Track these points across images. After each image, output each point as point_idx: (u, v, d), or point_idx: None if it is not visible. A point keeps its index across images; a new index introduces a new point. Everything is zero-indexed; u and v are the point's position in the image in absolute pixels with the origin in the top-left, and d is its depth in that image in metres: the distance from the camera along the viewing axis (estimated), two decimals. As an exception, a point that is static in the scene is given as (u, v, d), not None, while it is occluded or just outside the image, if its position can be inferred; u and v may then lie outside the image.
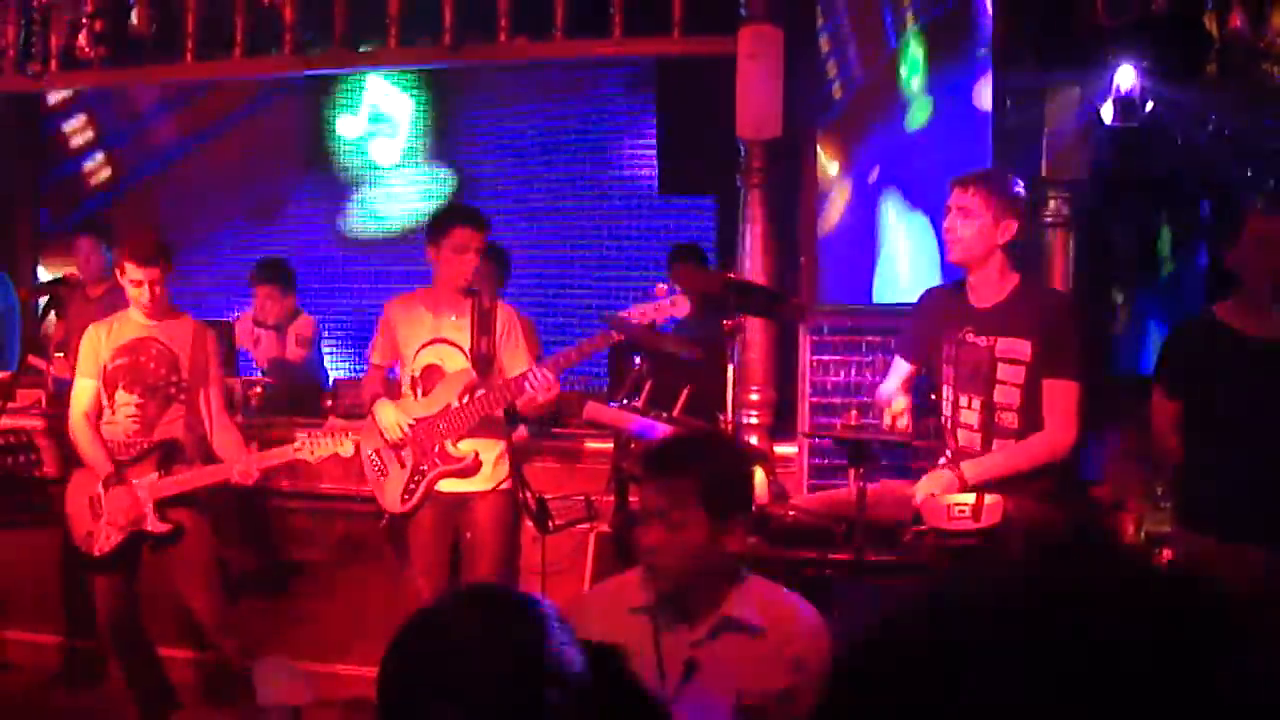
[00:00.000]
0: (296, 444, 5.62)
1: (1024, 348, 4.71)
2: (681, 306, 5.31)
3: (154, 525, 5.61)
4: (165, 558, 5.69)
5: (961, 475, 4.62)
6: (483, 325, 5.74)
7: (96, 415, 5.79)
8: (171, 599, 5.78)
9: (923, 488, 4.64)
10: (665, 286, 5.37)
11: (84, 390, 5.80)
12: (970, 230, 4.75)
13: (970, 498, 4.46)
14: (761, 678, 3.32)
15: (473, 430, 5.69)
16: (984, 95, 5.96)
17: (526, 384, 5.51)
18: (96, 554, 5.67)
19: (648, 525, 3.36)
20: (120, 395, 5.75)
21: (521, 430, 6.10)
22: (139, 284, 5.68)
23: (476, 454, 5.71)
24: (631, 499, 4.97)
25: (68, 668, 6.63)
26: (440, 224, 5.79)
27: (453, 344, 5.76)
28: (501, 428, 5.77)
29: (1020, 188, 4.84)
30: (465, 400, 5.68)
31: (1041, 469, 4.71)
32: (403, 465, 5.75)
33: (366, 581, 6.37)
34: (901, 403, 4.94)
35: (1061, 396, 4.69)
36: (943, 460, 4.78)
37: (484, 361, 5.72)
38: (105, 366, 5.77)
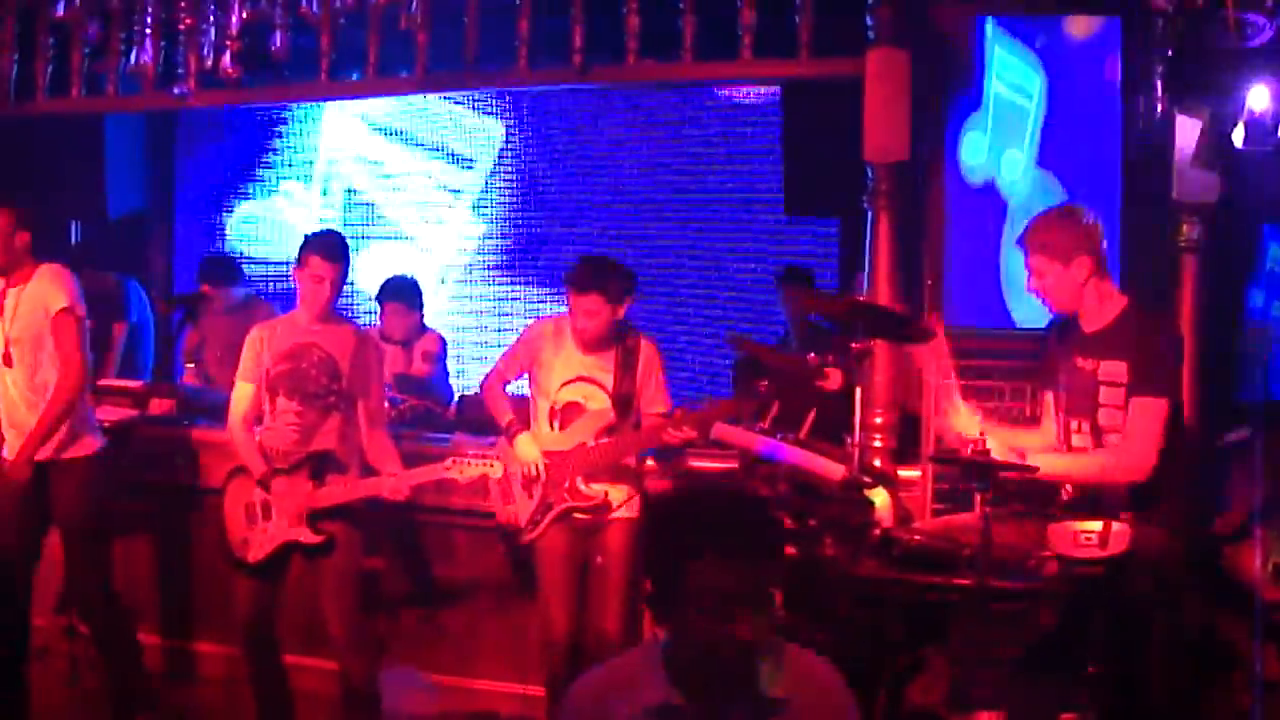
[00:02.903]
0: (447, 463, 5.66)
1: (1122, 370, 4.71)
2: (835, 379, 5.46)
3: (306, 536, 5.67)
4: (313, 568, 5.76)
5: (1023, 454, 4.64)
6: (626, 364, 5.80)
7: (255, 420, 5.87)
8: (310, 608, 5.85)
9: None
10: (816, 358, 5.46)
11: (242, 395, 5.89)
12: (1049, 284, 4.83)
13: (1098, 525, 4.43)
14: None
15: (606, 472, 5.78)
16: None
17: (664, 436, 5.60)
18: (251, 560, 5.75)
19: (739, 615, 2.96)
20: (281, 402, 5.79)
21: (650, 462, 6.19)
22: (319, 280, 5.72)
23: (606, 494, 5.79)
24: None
25: (167, 666, 6.84)
26: (568, 284, 5.79)
27: (596, 383, 5.82)
28: (631, 469, 5.85)
29: (1077, 220, 4.84)
30: (601, 441, 5.77)
31: (1130, 488, 4.65)
32: (530, 496, 5.83)
33: (498, 598, 6.48)
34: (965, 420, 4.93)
35: (1146, 414, 4.64)
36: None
37: (624, 403, 5.80)
38: (268, 371, 5.82)
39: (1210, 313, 6.11)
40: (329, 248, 5.76)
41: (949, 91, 6.18)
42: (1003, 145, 6.20)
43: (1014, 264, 5.98)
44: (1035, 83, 6.18)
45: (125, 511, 6.43)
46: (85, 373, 5.91)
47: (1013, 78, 6.20)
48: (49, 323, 5.88)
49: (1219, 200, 6.08)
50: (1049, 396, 5.04)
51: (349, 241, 5.96)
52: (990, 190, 6.25)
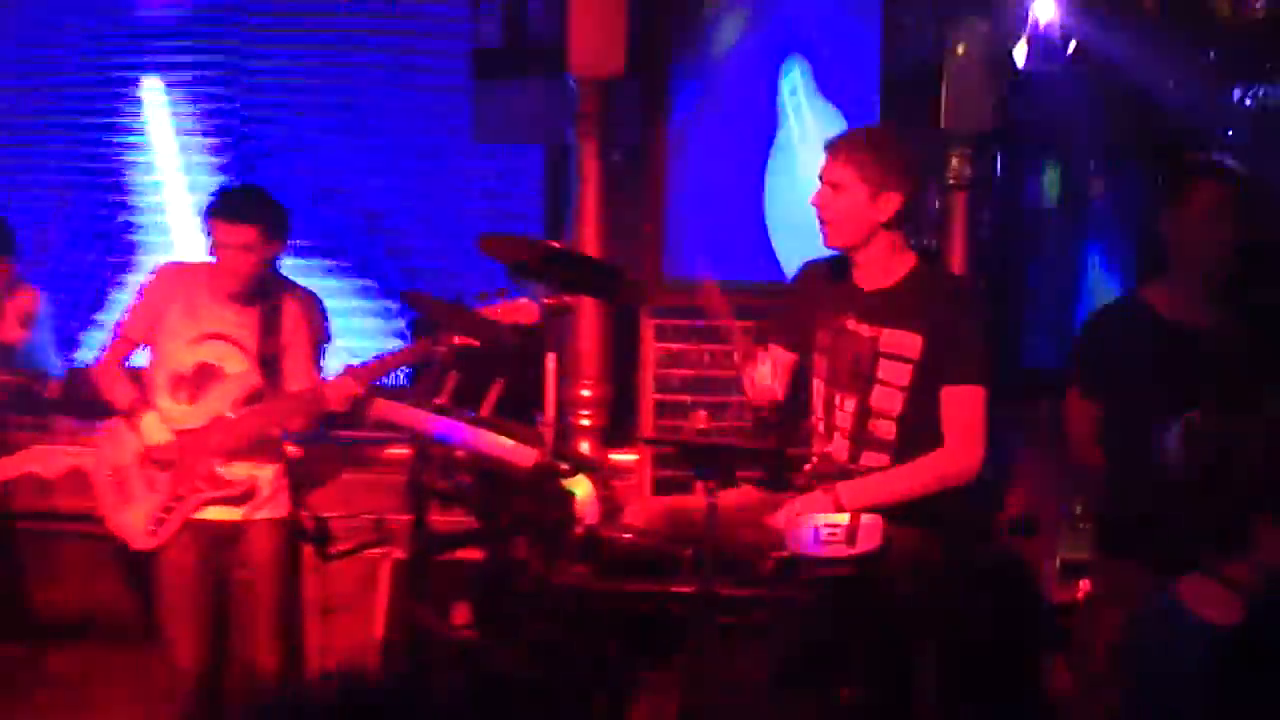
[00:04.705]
0: (30, 451, 5.50)
1: (913, 343, 4.73)
2: (529, 312, 5.33)
3: None
4: None
5: (837, 498, 4.64)
6: (270, 320, 5.76)
7: None
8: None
9: (787, 514, 4.63)
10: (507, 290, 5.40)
11: None
12: (841, 209, 4.76)
13: (843, 518, 4.45)
14: None
15: (250, 449, 5.71)
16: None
17: (323, 395, 5.58)
18: None
19: None
20: None
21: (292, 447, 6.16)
22: None
23: (253, 478, 5.73)
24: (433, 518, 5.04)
25: None
26: (215, 215, 5.73)
27: (235, 342, 5.75)
28: (277, 442, 5.83)
29: (909, 149, 4.84)
30: (243, 411, 5.70)
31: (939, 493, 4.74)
32: (152, 489, 5.70)
33: (116, 627, 6.40)
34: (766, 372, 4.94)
35: (964, 406, 4.71)
36: (809, 465, 4.86)
37: (269, 366, 5.75)
38: None
39: (987, 262, 6.29)
40: None
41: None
42: (775, 69, 6.28)
43: (781, 204, 6.09)
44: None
45: None
46: None
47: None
48: None
49: (996, 129, 6.25)
50: (781, 351, 5.04)
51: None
52: (754, 120, 6.40)
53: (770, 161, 6.47)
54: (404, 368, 5.98)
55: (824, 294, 4.95)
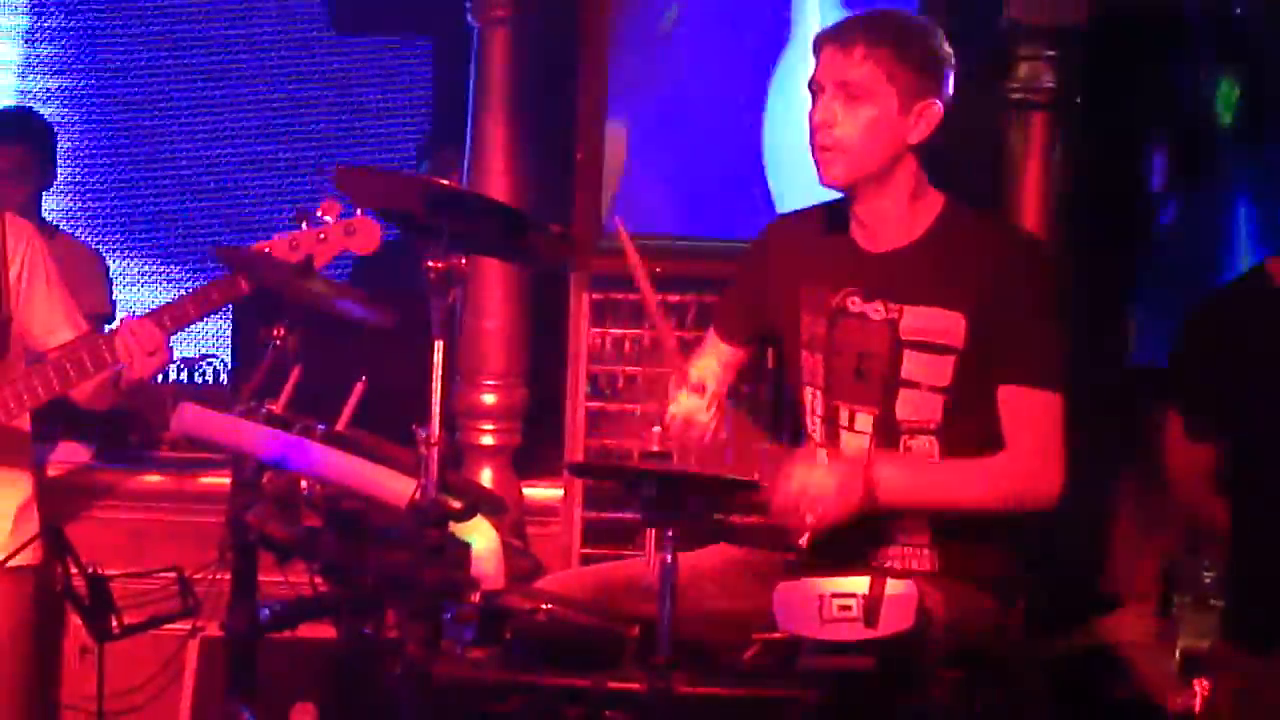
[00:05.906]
0: None
1: (953, 325, 4.64)
2: (367, 236, 5.30)
3: None
4: None
5: (870, 479, 4.51)
6: None
7: None
8: None
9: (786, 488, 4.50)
10: (336, 202, 5.32)
11: None
12: (859, 126, 4.63)
13: (860, 585, 4.27)
14: None
15: None
16: None
17: (118, 345, 5.49)
18: None
19: None
20: None
21: (81, 452, 6.25)
22: None
23: None
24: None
25: None
26: None
27: None
28: (25, 450, 5.87)
29: (947, 44, 4.73)
30: None
31: (1009, 517, 4.65)
32: None
33: None
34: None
35: (1035, 413, 4.63)
36: None
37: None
38: None
39: (1077, 217, 6.25)
40: None
41: None
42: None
43: (786, 136, 6.16)
44: None
45: None
46: None
47: None
48: None
49: (1091, 21, 6.23)
50: (722, 346, 5.02)
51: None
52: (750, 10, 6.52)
53: (775, 75, 6.52)
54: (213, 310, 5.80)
55: (807, 263, 4.86)
